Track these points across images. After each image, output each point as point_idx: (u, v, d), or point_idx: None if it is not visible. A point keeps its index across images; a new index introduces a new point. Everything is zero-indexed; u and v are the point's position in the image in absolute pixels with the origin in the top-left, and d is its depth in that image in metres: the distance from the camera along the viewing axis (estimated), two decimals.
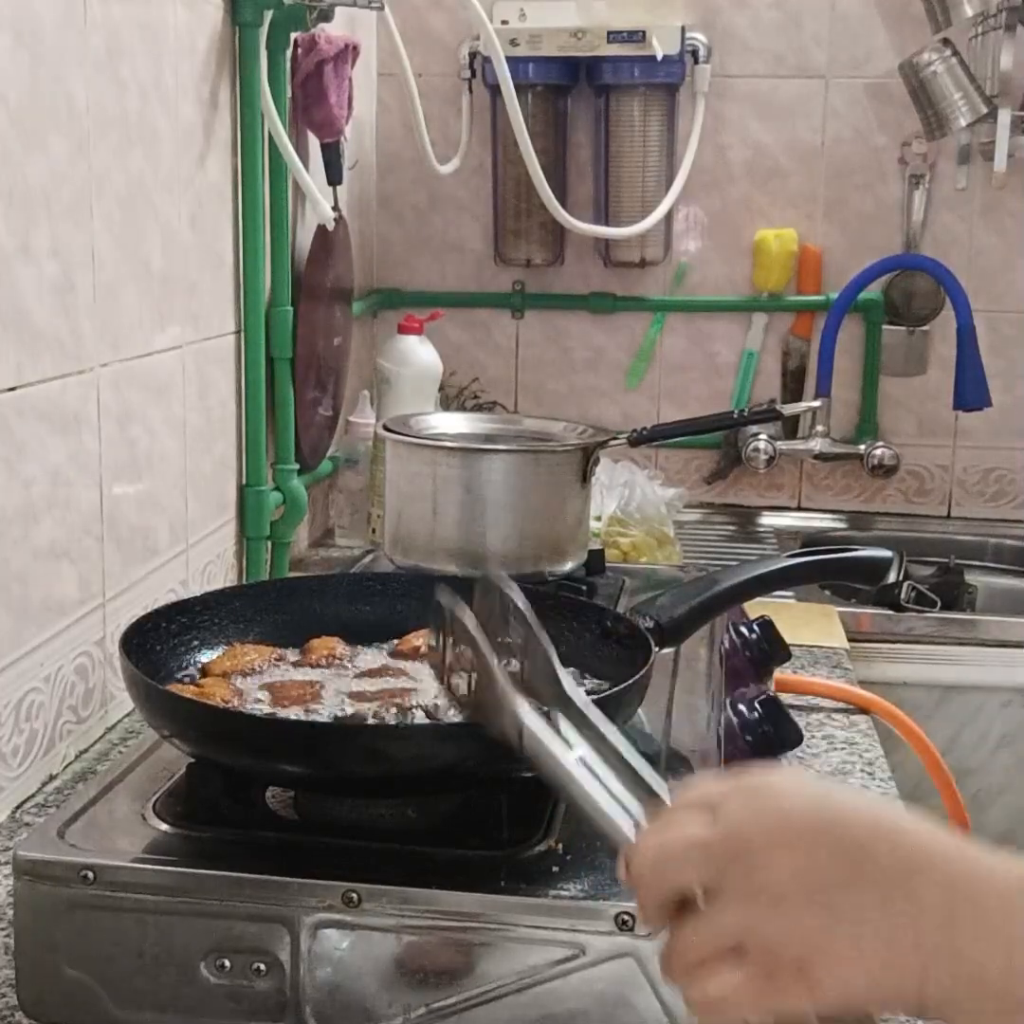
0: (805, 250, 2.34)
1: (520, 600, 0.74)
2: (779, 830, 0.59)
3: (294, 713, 0.97)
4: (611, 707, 0.91)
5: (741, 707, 1.21)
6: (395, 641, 1.11)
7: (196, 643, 1.08)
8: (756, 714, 1.20)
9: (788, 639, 1.42)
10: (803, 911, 0.58)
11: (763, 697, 1.23)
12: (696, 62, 2.26)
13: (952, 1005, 0.57)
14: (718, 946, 0.59)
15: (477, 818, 0.88)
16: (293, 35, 1.67)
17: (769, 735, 1.20)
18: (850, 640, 1.73)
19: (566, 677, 0.73)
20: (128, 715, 1.38)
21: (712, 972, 0.59)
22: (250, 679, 1.03)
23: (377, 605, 1.17)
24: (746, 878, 0.58)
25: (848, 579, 1.41)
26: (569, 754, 0.68)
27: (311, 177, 1.69)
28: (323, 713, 0.97)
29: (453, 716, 0.95)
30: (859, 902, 0.57)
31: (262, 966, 0.83)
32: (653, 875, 0.61)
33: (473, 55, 2.26)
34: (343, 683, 1.03)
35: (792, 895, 0.58)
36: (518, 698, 0.71)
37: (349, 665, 1.07)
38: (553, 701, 0.73)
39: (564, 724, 0.71)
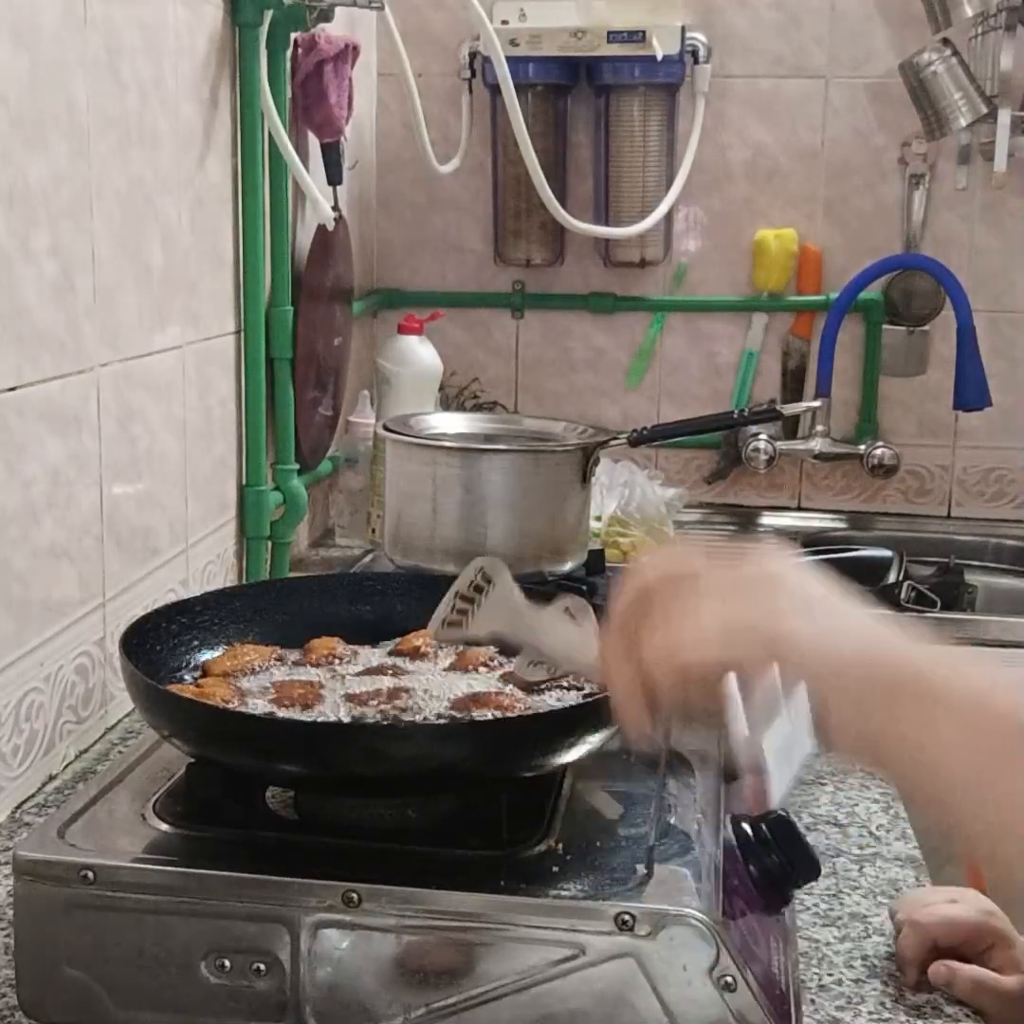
0: (805, 250, 2.34)
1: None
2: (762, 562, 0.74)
3: (294, 713, 0.97)
4: (611, 707, 0.91)
5: None
6: (395, 641, 1.11)
7: (196, 643, 1.08)
8: None
9: None
10: (776, 602, 0.71)
11: None
12: (696, 62, 2.26)
13: (891, 751, 0.68)
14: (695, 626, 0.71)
15: (477, 818, 0.88)
16: (293, 35, 1.67)
17: None
18: None
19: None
20: (128, 715, 1.38)
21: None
22: (250, 679, 1.03)
23: (377, 605, 1.17)
24: (719, 577, 0.72)
25: (848, 579, 1.41)
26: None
27: (311, 177, 1.69)
28: (323, 713, 0.97)
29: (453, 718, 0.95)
30: (822, 613, 0.73)
31: (262, 966, 0.83)
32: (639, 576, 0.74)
33: (473, 55, 2.26)
34: (343, 683, 1.03)
35: (766, 593, 0.72)
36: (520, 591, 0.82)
37: (349, 665, 1.07)
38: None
39: None
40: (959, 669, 0.69)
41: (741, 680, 0.68)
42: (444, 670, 1.05)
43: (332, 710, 0.97)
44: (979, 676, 0.69)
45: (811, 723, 0.68)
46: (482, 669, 1.04)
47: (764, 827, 0.93)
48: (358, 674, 1.05)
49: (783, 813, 0.94)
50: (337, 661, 1.07)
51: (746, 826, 0.94)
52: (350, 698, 0.99)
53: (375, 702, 0.97)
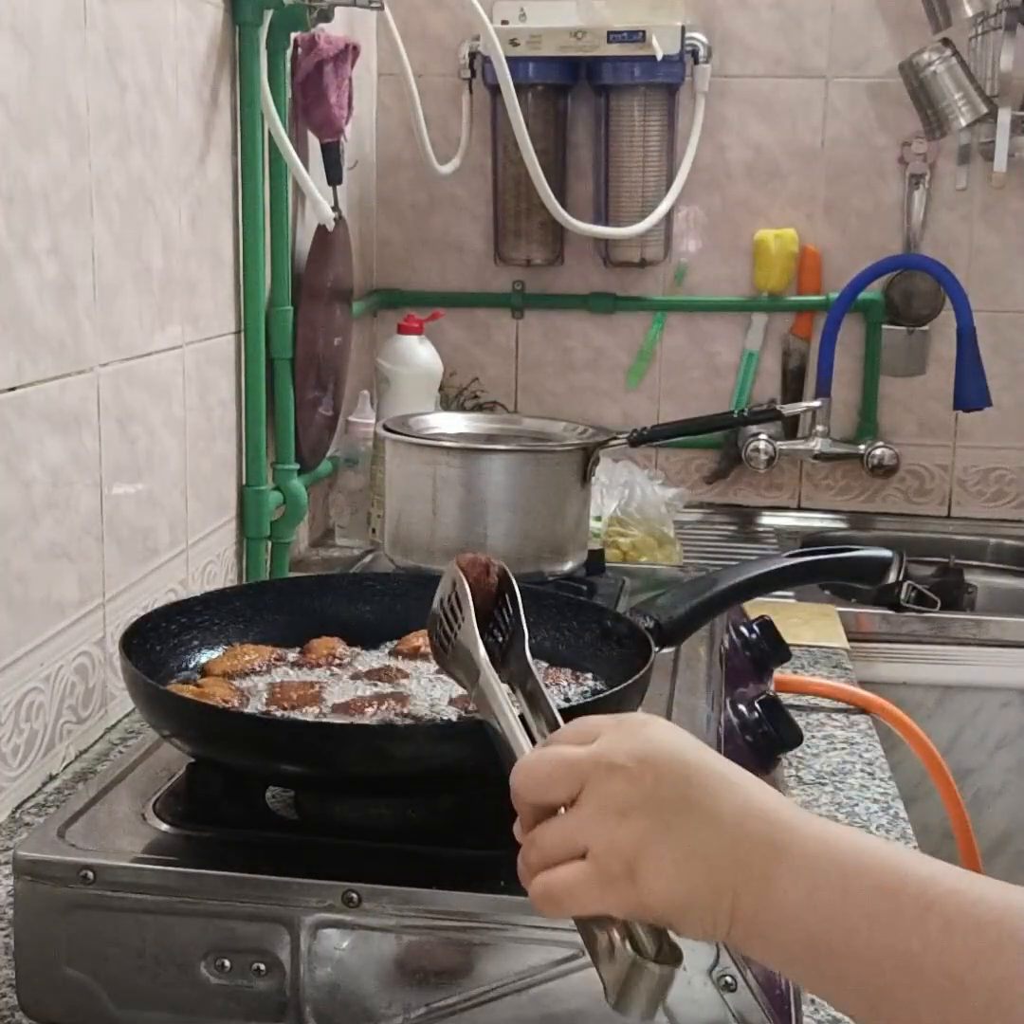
0: (805, 250, 2.34)
1: (516, 586, 0.84)
2: (641, 754, 0.66)
3: (294, 715, 0.96)
4: (611, 707, 0.91)
5: (741, 707, 1.21)
6: (395, 641, 1.11)
7: (196, 643, 1.08)
8: (756, 714, 1.20)
9: (788, 639, 1.42)
10: (644, 822, 0.64)
11: (763, 697, 1.23)
12: (696, 62, 2.26)
13: (753, 928, 0.63)
14: (566, 846, 0.66)
15: (477, 818, 0.88)
16: (293, 35, 1.67)
17: (769, 735, 1.20)
18: (850, 640, 1.73)
19: (531, 659, 0.80)
20: (128, 715, 1.38)
21: (557, 868, 0.66)
22: (250, 679, 1.03)
23: (377, 605, 1.17)
24: (602, 788, 0.66)
25: (848, 579, 1.41)
26: (507, 699, 0.76)
27: (311, 177, 1.69)
28: (323, 714, 0.97)
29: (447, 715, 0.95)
30: (694, 824, 0.64)
31: (262, 966, 0.83)
32: (526, 785, 0.68)
33: (473, 55, 2.26)
34: (343, 684, 1.03)
35: (638, 809, 0.65)
36: (482, 648, 0.79)
37: (349, 666, 1.07)
38: (517, 676, 0.80)
39: (518, 696, 0.79)
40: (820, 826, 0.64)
41: None
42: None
43: (331, 713, 0.97)
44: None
45: None
46: None
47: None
48: (358, 675, 1.05)
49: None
50: (337, 661, 1.07)
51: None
52: (339, 708, 0.98)
53: (371, 709, 0.97)
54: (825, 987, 0.63)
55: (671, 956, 0.64)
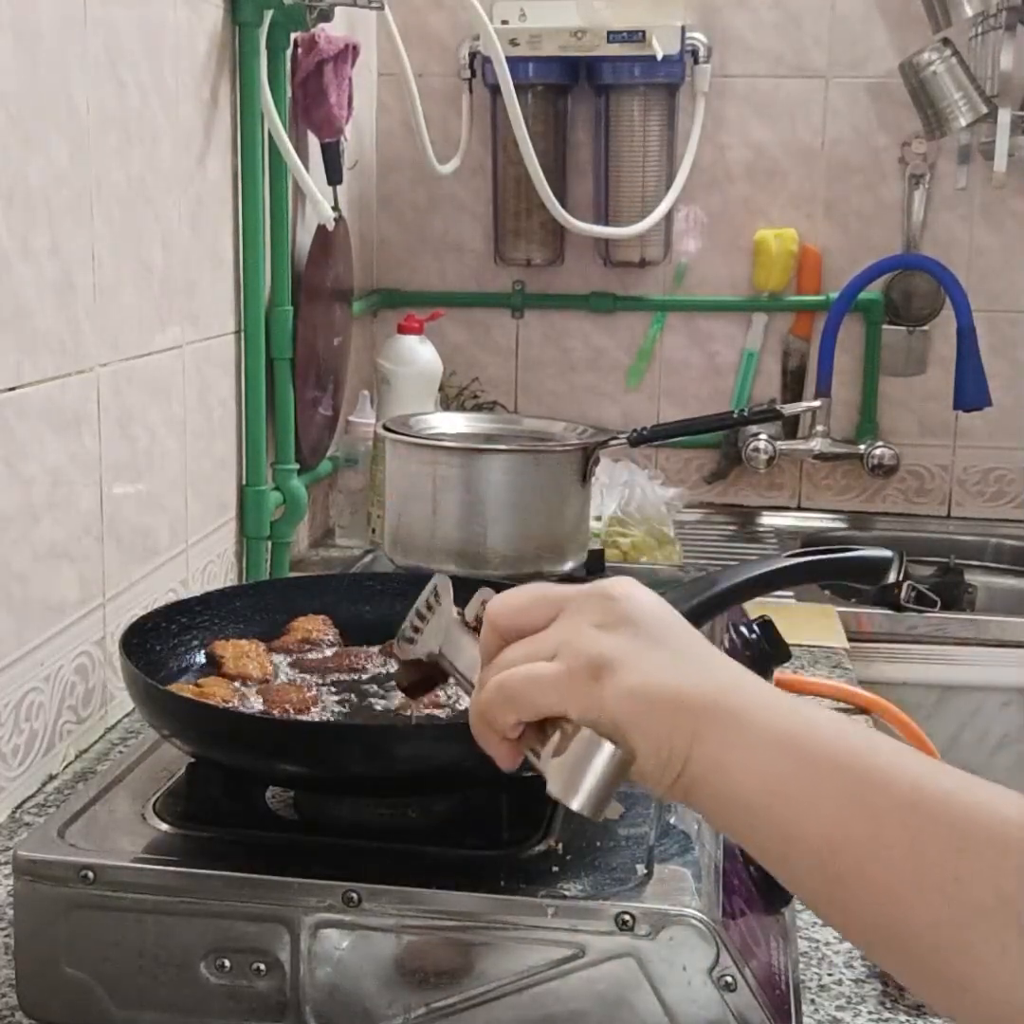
0: (805, 250, 2.34)
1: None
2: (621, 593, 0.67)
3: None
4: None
5: None
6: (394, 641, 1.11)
7: (196, 643, 1.08)
8: None
9: (788, 639, 1.42)
10: (622, 637, 0.64)
11: None
12: (696, 62, 2.26)
13: (702, 782, 0.61)
14: (532, 653, 0.65)
15: (477, 818, 0.88)
16: (293, 35, 1.67)
17: None
18: (850, 640, 1.73)
19: None
20: (128, 715, 1.38)
21: (518, 667, 0.65)
22: (250, 683, 1.03)
23: (377, 605, 1.17)
24: (584, 605, 0.66)
25: (848, 579, 1.41)
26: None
27: (311, 177, 1.69)
28: (322, 716, 0.97)
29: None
30: (671, 654, 0.64)
31: (262, 966, 0.83)
32: (502, 610, 0.68)
33: (473, 55, 2.26)
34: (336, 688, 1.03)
35: (617, 626, 0.64)
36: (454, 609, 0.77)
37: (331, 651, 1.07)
38: None
39: None
40: (773, 699, 0.64)
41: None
42: None
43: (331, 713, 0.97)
44: (798, 708, 0.63)
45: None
46: None
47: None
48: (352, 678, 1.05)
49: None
50: (323, 639, 1.08)
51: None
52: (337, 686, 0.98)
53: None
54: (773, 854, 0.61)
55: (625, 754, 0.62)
